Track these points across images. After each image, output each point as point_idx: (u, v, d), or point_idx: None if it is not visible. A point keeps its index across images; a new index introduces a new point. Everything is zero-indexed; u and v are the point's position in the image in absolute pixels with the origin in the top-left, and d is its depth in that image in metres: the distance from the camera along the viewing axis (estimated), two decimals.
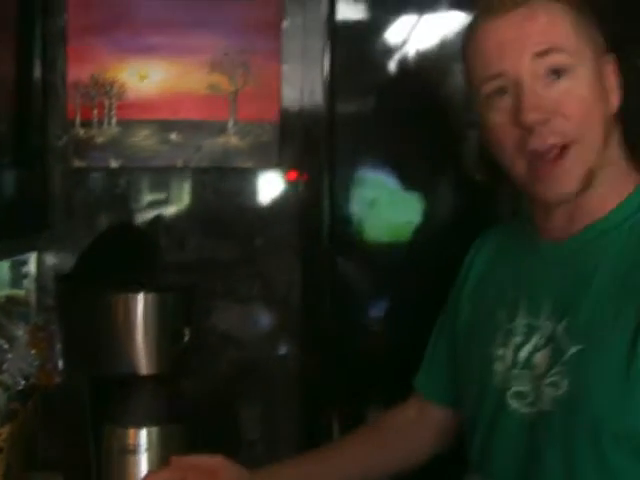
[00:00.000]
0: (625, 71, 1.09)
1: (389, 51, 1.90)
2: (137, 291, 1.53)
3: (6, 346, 1.75)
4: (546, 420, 1.04)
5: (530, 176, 1.04)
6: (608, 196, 1.06)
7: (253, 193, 1.85)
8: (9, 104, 1.68)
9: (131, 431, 1.52)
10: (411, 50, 1.89)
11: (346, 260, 1.94)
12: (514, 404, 1.08)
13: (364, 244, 1.95)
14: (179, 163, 1.83)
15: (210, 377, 1.78)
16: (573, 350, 1.01)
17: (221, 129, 1.81)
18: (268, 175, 1.85)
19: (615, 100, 1.05)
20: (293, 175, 1.85)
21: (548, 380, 1.03)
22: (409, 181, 1.94)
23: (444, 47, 1.87)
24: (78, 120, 1.82)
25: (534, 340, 1.07)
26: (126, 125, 1.82)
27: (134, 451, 1.51)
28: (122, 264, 1.65)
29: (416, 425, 1.36)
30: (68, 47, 1.81)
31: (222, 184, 1.85)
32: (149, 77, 1.81)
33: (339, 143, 1.89)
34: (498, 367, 1.11)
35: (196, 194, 1.86)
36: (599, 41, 1.06)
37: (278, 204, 1.85)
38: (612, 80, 1.06)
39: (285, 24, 1.81)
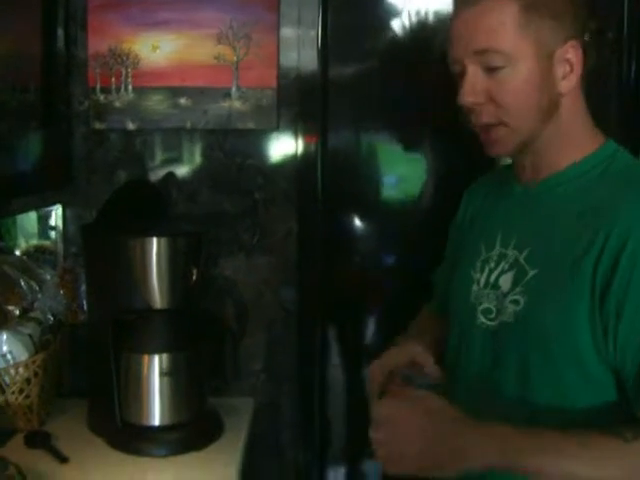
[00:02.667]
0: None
1: (381, 18, 2.00)
2: (151, 236, 1.65)
3: (37, 288, 1.93)
4: (506, 330, 1.18)
5: (478, 134, 1.22)
6: (567, 152, 1.20)
7: (255, 152, 1.97)
8: (37, 75, 1.77)
9: (145, 357, 1.66)
10: (404, 15, 1.99)
11: (338, 214, 2.07)
12: (481, 318, 1.23)
13: (355, 200, 2.09)
14: (188, 125, 1.95)
15: (216, 314, 1.92)
16: (531, 273, 1.16)
17: (225, 95, 1.93)
18: (268, 136, 1.96)
19: (569, 81, 1.15)
20: (310, 138, 1.97)
21: (510, 298, 1.18)
22: (402, 141, 2.05)
23: (436, 12, 1.98)
24: (98, 87, 1.94)
25: (502, 265, 1.21)
26: (140, 91, 1.94)
27: (149, 375, 1.66)
28: (138, 214, 1.74)
29: None
30: (88, 22, 1.92)
31: (226, 144, 1.96)
32: (161, 48, 1.92)
33: (333, 106, 2.01)
34: (474, 287, 1.26)
35: (203, 153, 1.97)
36: (551, 35, 1.13)
37: (277, 162, 1.97)
38: (566, 63, 1.15)
39: None
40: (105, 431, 1.70)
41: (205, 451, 1.68)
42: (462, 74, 1.17)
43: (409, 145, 2.06)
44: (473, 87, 1.16)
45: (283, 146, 1.98)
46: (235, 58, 1.91)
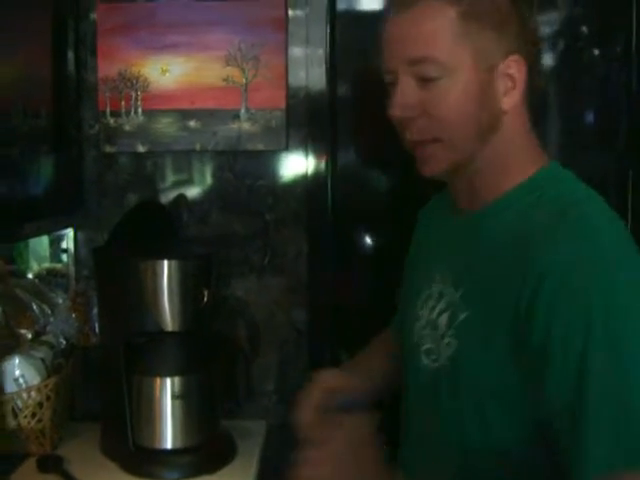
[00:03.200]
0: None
1: None
2: (162, 259, 1.65)
3: (49, 311, 1.94)
4: (443, 374, 1.09)
5: (411, 152, 1.12)
6: (506, 177, 1.09)
7: (265, 173, 1.98)
8: (47, 100, 1.80)
9: (157, 380, 1.66)
10: None
11: (349, 233, 2.07)
12: (424, 360, 1.14)
13: (366, 219, 2.09)
14: (198, 147, 1.96)
15: (228, 335, 1.93)
16: (462, 316, 1.06)
17: (234, 116, 1.94)
18: (278, 156, 1.97)
19: (511, 98, 1.06)
20: (320, 158, 1.96)
21: (445, 340, 1.09)
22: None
23: None
24: (108, 111, 1.96)
25: (441, 304, 1.12)
26: (150, 114, 1.96)
27: (161, 398, 1.66)
28: (149, 237, 1.75)
29: None
30: (98, 47, 1.95)
31: (236, 165, 1.97)
32: (170, 71, 1.94)
33: (342, 125, 2.02)
34: (417, 325, 1.18)
35: (214, 175, 1.98)
36: (492, 47, 1.05)
37: (287, 182, 1.98)
38: (508, 79, 1.06)
39: (290, 17, 1.92)
40: (118, 455, 1.70)
41: (218, 474, 1.67)
42: (394, 84, 1.08)
43: None
44: (405, 99, 1.06)
45: (293, 166, 1.98)
46: (244, 80, 1.93)
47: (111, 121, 1.97)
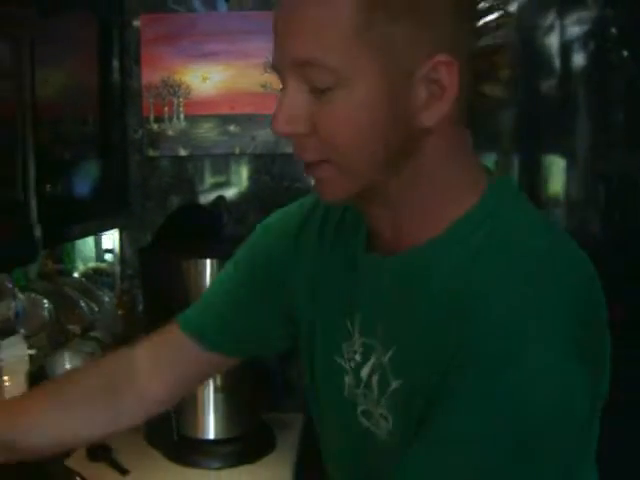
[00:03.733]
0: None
1: None
2: (205, 258, 1.72)
3: (96, 309, 2.03)
4: (384, 444, 0.88)
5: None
6: (440, 210, 0.84)
7: (301, 175, 2.04)
8: (94, 108, 1.87)
9: None
10: None
11: None
12: (365, 422, 0.91)
13: None
14: (237, 151, 2.04)
15: None
16: (393, 386, 0.85)
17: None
18: None
19: (437, 110, 0.78)
20: None
21: (379, 410, 0.88)
22: None
23: None
24: (152, 116, 2.04)
25: (372, 361, 0.89)
26: (192, 120, 2.04)
27: (204, 391, 1.72)
28: (191, 237, 1.79)
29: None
30: (141, 56, 2.03)
31: (274, 168, 2.04)
32: (210, 79, 2.02)
33: None
34: (347, 380, 0.93)
35: (252, 177, 2.06)
36: (405, 47, 0.76)
37: None
38: (436, 87, 0.78)
39: None
40: (162, 444, 1.77)
41: (257, 464, 1.73)
42: (282, 89, 0.83)
43: None
44: (291, 110, 0.80)
45: None
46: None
47: (154, 126, 2.05)
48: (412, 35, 0.76)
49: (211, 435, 1.76)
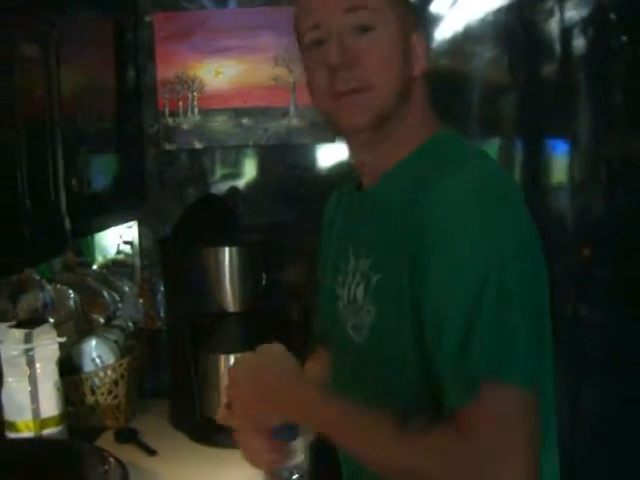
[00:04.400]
0: None
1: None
2: (224, 246, 1.79)
3: (118, 298, 2.10)
4: (368, 344, 1.08)
5: (334, 109, 1.09)
6: (401, 148, 1.11)
7: (312, 165, 2.11)
8: (111, 104, 1.93)
9: (222, 357, 1.79)
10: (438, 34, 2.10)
11: None
12: (354, 336, 1.11)
13: None
14: (250, 143, 2.09)
15: (284, 316, 2.05)
16: (374, 279, 1.07)
17: (284, 113, 2.07)
18: (324, 149, 2.10)
19: (419, 67, 1.10)
20: None
21: (364, 310, 1.08)
22: None
23: (469, 31, 2.09)
24: (167, 111, 2.10)
25: (357, 277, 1.11)
26: (206, 113, 2.09)
27: (224, 373, 1.77)
28: (209, 227, 1.88)
29: None
30: (156, 52, 2.08)
31: (286, 158, 2.10)
32: (223, 73, 2.07)
33: None
34: (339, 305, 1.16)
35: (265, 168, 2.12)
36: (406, 10, 1.11)
37: (333, 173, 2.09)
38: (418, 49, 1.10)
39: None
40: (187, 426, 1.84)
41: None
42: (324, 39, 1.07)
43: None
44: (342, 47, 1.06)
45: (339, 157, 2.09)
46: (292, 79, 2.05)
47: (170, 121, 2.11)
48: (409, 12, 1.12)
49: None
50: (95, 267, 2.31)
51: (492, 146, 2.19)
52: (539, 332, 0.98)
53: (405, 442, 0.96)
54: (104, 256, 2.36)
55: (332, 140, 2.08)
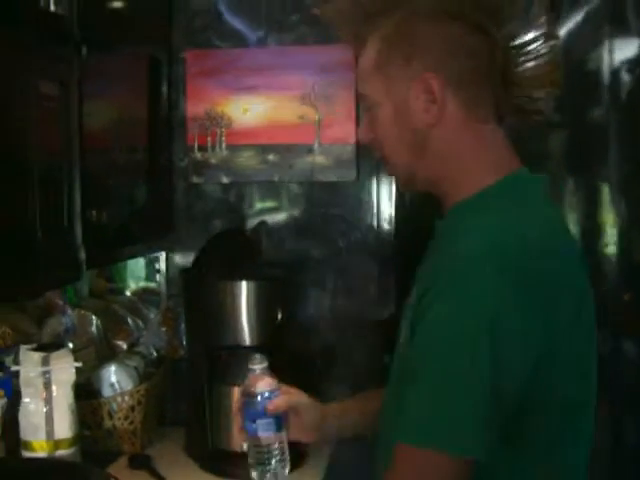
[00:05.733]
0: None
1: None
2: (241, 280, 1.82)
3: (142, 325, 2.15)
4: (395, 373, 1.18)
5: None
6: (455, 191, 1.13)
7: (337, 202, 2.13)
8: (143, 137, 1.99)
9: (235, 389, 1.76)
10: None
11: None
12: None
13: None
14: (276, 178, 2.13)
15: (302, 352, 2.07)
16: (409, 314, 1.11)
17: (309, 150, 2.11)
18: (349, 187, 2.12)
19: (432, 114, 1.09)
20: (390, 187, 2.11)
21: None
22: None
23: None
24: (196, 145, 2.16)
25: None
26: (233, 149, 2.14)
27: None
28: (231, 260, 1.90)
29: None
30: (187, 89, 2.15)
31: (311, 195, 2.14)
32: (250, 110, 2.12)
33: None
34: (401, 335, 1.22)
35: (290, 203, 2.15)
36: (400, 73, 1.11)
37: (358, 211, 2.12)
38: (422, 99, 1.09)
39: None
40: (199, 455, 1.87)
41: (289, 477, 1.81)
42: None
43: None
44: (361, 126, 1.23)
45: (363, 196, 2.13)
46: (317, 117, 2.08)
47: (198, 155, 2.16)
48: (402, 65, 1.11)
49: (245, 447, 1.83)
50: (128, 293, 2.37)
51: None
52: (493, 406, 0.97)
53: None
54: (136, 283, 2.42)
55: (356, 178, 2.11)
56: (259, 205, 2.19)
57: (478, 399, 0.96)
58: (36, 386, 1.67)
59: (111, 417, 1.89)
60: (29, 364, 1.68)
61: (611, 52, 2.18)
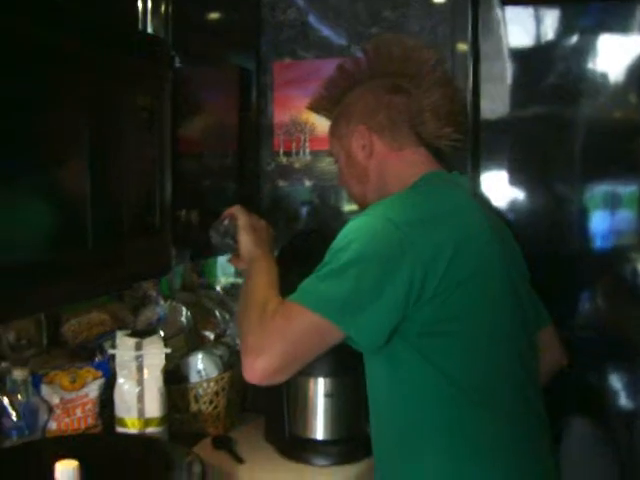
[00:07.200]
0: None
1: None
2: None
3: (229, 318, 2.29)
4: None
5: None
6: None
7: None
8: (233, 143, 2.11)
9: (311, 380, 1.91)
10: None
11: None
12: None
13: None
14: None
15: None
16: None
17: None
18: None
19: (366, 154, 1.59)
20: None
21: None
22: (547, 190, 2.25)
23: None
24: (282, 151, 2.29)
25: None
26: (316, 154, 2.26)
27: (314, 395, 1.92)
28: (308, 258, 1.86)
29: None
30: (274, 97, 2.28)
31: None
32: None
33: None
34: None
35: None
36: (344, 132, 1.63)
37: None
38: (359, 143, 1.59)
39: None
40: (276, 441, 1.98)
41: (359, 464, 1.90)
42: None
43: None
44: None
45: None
46: None
47: (284, 160, 2.29)
48: (344, 126, 1.64)
49: (319, 435, 1.94)
50: (218, 288, 2.52)
51: (628, 192, 2.21)
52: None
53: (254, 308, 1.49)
54: (226, 279, 2.57)
55: None
56: (339, 207, 2.30)
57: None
58: (130, 368, 1.83)
59: (197, 401, 2.02)
60: (124, 348, 1.84)
61: None
